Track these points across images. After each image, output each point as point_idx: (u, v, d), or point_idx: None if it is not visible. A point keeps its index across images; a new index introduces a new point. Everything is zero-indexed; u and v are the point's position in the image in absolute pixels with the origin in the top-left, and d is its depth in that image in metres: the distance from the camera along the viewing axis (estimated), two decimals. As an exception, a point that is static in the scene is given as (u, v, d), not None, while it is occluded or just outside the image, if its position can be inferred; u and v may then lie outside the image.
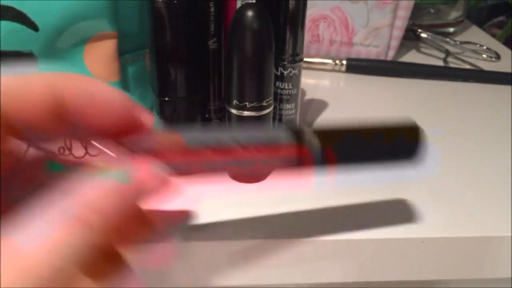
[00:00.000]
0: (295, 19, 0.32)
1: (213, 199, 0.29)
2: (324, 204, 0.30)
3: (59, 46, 0.28)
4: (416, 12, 0.57)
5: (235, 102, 0.30)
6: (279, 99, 0.34)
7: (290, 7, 0.31)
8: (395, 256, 0.28)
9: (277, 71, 0.33)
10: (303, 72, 0.48)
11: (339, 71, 0.50)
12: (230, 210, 0.28)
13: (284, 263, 0.28)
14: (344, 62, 0.49)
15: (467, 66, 0.51)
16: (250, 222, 0.28)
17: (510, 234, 0.29)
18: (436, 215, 0.29)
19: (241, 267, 0.28)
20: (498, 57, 0.54)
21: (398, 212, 0.30)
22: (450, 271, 0.29)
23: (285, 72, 0.33)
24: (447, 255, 0.29)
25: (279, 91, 0.34)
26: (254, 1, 0.31)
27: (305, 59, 0.49)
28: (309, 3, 0.48)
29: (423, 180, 0.32)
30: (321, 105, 0.43)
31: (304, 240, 0.27)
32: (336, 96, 0.46)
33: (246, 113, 0.30)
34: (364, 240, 0.28)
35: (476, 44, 0.56)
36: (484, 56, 0.54)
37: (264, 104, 0.30)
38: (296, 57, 0.33)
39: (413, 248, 0.28)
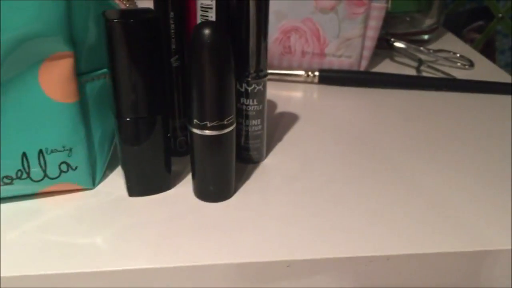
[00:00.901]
0: (257, 35, 0.31)
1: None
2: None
3: (13, 67, 0.27)
4: (390, 20, 0.56)
5: (195, 121, 0.29)
6: (245, 115, 0.34)
7: (251, 23, 0.31)
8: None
9: (241, 87, 0.33)
10: (275, 84, 0.48)
11: (312, 82, 0.49)
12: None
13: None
14: (317, 73, 0.49)
15: (441, 75, 0.51)
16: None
17: (510, 248, 0.28)
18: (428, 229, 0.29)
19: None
20: (471, 64, 0.54)
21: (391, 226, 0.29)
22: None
23: (249, 88, 0.33)
24: (442, 269, 0.29)
25: (244, 107, 0.33)
26: (213, 19, 0.30)
27: (276, 71, 0.49)
28: (280, 15, 0.48)
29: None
30: (293, 118, 0.43)
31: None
32: (309, 108, 0.45)
33: (207, 132, 0.29)
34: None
35: (449, 52, 0.56)
36: (458, 64, 0.54)
37: (226, 122, 0.29)
38: (260, 73, 0.33)
39: (407, 262, 0.28)
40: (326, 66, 0.50)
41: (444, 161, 0.37)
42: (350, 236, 0.29)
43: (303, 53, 0.50)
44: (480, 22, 0.82)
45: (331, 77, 0.49)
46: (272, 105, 0.45)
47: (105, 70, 0.31)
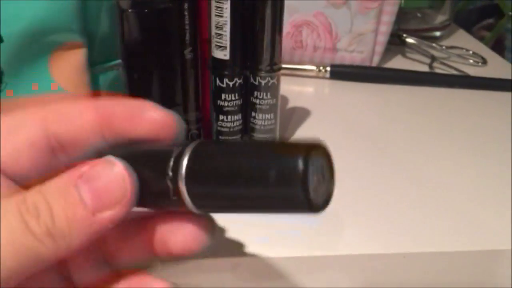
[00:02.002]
0: (272, 27, 0.31)
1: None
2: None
3: (24, 57, 0.27)
4: (402, 16, 0.56)
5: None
6: (258, 109, 0.33)
7: (266, 15, 0.30)
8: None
9: (255, 81, 0.32)
10: (286, 79, 0.48)
11: (323, 77, 0.49)
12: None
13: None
14: (328, 68, 0.48)
15: (453, 72, 0.51)
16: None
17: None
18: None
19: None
20: (484, 62, 0.53)
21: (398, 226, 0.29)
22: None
23: (263, 82, 0.32)
24: (459, 267, 0.28)
25: (257, 101, 0.33)
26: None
27: (288, 66, 0.48)
28: (291, 9, 0.47)
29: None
30: (304, 113, 0.42)
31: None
32: (320, 104, 0.45)
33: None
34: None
35: (462, 48, 0.55)
36: (471, 61, 0.53)
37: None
38: (274, 66, 0.32)
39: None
40: (337, 61, 0.50)
41: (457, 158, 0.36)
42: (365, 233, 0.28)
43: (315, 48, 0.49)
44: (490, 20, 0.81)
45: (342, 73, 0.48)
46: (283, 99, 0.44)
47: (118, 61, 0.31)
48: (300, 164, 0.14)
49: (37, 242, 0.15)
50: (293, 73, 0.49)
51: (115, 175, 0.16)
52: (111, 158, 0.17)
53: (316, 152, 0.15)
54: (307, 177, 0.14)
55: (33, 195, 0.16)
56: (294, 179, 0.14)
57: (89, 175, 0.16)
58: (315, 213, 0.15)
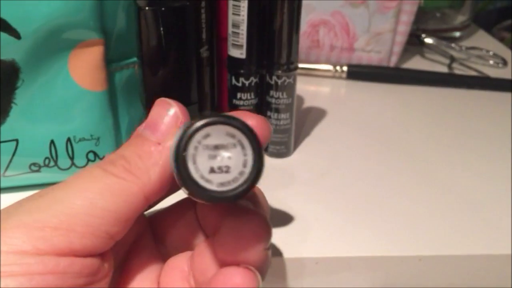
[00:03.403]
0: (289, 26, 0.31)
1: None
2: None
3: (42, 54, 0.27)
4: (421, 16, 0.55)
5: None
6: (274, 108, 0.33)
7: (284, 15, 0.30)
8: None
9: (271, 80, 0.32)
10: (302, 78, 0.47)
11: (340, 77, 0.48)
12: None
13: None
14: (345, 68, 0.48)
15: (473, 73, 0.50)
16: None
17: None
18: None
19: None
20: (505, 63, 0.52)
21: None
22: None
23: (279, 81, 0.32)
24: (475, 271, 0.28)
25: (273, 100, 0.33)
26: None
27: (304, 66, 0.48)
28: (308, 8, 0.47)
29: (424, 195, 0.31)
30: (320, 113, 0.42)
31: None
32: (337, 104, 0.44)
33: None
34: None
35: (482, 49, 0.54)
36: (491, 62, 0.52)
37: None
38: (291, 66, 0.32)
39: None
40: (354, 61, 0.49)
41: (476, 161, 0.35)
42: (381, 235, 0.28)
43: (332, 47, 0.49)
44: (510, 21, 0.79)
45: (360, 73, 0.48)
46: (299, 99, 0.44)
47: (133, 59, 0.31)
48: None
49: (118, 179, 0.17)
50: (309, 72, 0.49)
51: (171, 114, 0.18)
52: (166, 99, 0.19)
53: None
54: None
55: (108, 155, 0.18)
56: None
57: (148, 122, 0.18)
58: None
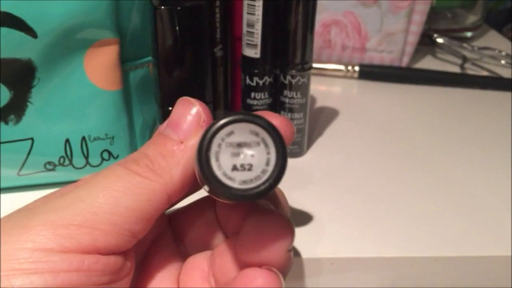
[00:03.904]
0: (304, 26, 0.30)
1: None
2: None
3: (58, 53, 0.27)
4: (432, 16, 0.55)
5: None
6: (288, 108, 0.33)
7: (299, 14, 0.30)
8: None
9: (285, 79, 0.32)
10: (314, 78, 0.47)
11: (352, 77, 0.48)
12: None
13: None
14: (357, 68, 0.48)
15: (485, 73, 0.49)
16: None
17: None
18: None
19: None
20: (517, 63, 0.52)
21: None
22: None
23: (293, 81, 0.32)
24: (492, 272, 0.28)
25: (287, 100, 0.33)
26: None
27: (316, 65, 0.48)
28: (320, 8, 0.47)
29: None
30: (332, 113, 0.42)
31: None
32: (348, 104, 0.44)
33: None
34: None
35: (494, 49, 0.54)
36: (503, 62, 0.52)
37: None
38: (305, 65, 0.32)
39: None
40: (366, 61, 0.49)
41: (491, 162, 0.35)
42: (397, 235, 0.28)
43: (343, 47, 0.48)
44: (520, 21, 0.79)
45: (371, 73, 0.48)
46: (311, 99, 0.44)
47: (148, 58, 0.31)
48: None
49: (142, 178, 0.17)
50: (321, 72, 0.48)
51: (193, 113, 0.18)
52: (189, 98, 0.19)
53: None
54: None
55: (131, 154, 0.18)
56: None
57: (170, 121, 0.18)
58: None
